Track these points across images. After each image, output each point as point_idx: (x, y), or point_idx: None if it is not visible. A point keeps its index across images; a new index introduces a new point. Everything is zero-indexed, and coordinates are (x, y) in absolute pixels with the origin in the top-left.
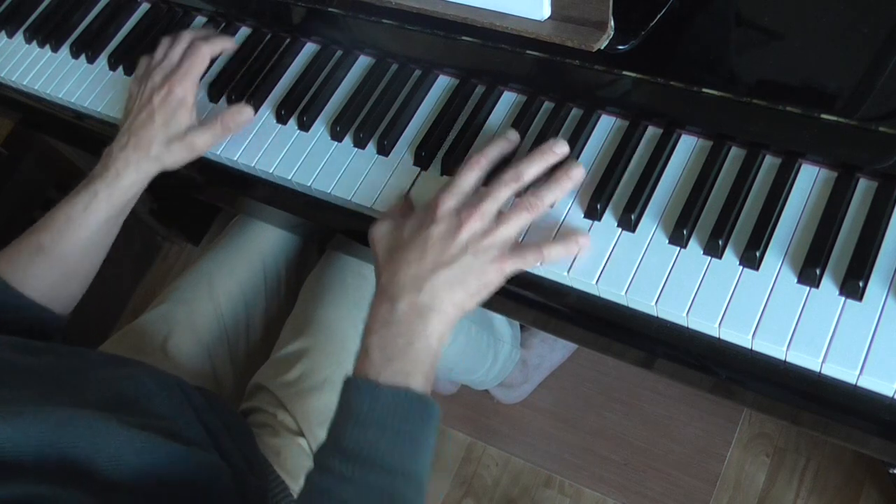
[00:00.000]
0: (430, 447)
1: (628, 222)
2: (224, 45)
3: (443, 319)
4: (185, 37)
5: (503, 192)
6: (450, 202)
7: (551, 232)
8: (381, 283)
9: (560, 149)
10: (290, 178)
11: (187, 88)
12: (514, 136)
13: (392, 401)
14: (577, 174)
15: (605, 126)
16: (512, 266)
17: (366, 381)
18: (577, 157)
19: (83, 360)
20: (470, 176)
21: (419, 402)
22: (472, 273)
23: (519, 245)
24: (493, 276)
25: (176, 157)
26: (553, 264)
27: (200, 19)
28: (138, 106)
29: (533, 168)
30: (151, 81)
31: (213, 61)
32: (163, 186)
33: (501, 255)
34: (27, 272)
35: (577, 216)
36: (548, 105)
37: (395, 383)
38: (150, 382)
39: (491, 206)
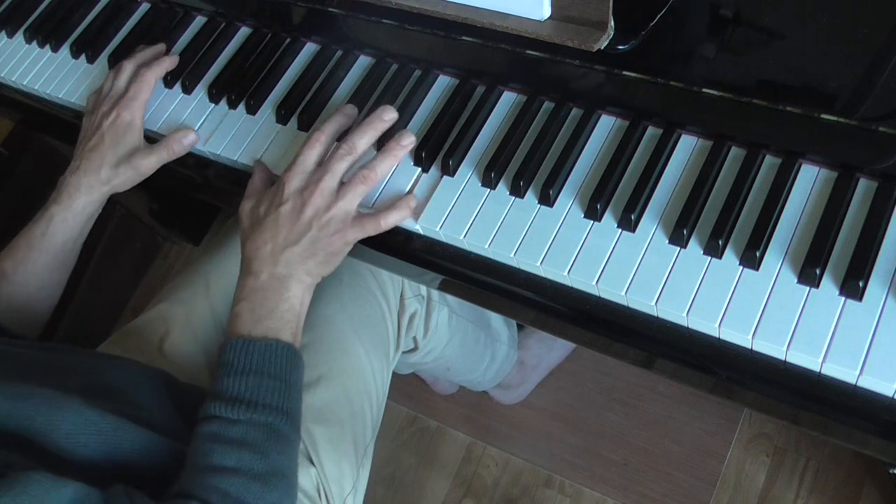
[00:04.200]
0: (300, 390)
1: (628, 222)
2: (166, 67)
3: (301, 284)
4: (129, 66)
5: (340, 165)
6: (294, 182)
7: (391, 200)
8: (245, 255)
9: (388, 115)
10: None
11: (134, 112)
12: (350, 109)
13: (265, 350)
14: (408, 141)
15: (605, 126)
16: (353, 235)
17: (240, 338)
18: (577, 158)
19: (69, 354)
20: (311, 154)
21: (289, 351)
22: (319, 245)
23: (360, 216)
24: (338, 246)
25: (123, 179)
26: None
27: (201, 19)
28: (89, 133)
29: (364, 138)
30: (100, 110)
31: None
32: (163, 187)
33: (344, 227)
34: None
35: (576, 217)
36: (548, 105)
37: (266, 336)
38: (134, 375)
39: (329, 182)
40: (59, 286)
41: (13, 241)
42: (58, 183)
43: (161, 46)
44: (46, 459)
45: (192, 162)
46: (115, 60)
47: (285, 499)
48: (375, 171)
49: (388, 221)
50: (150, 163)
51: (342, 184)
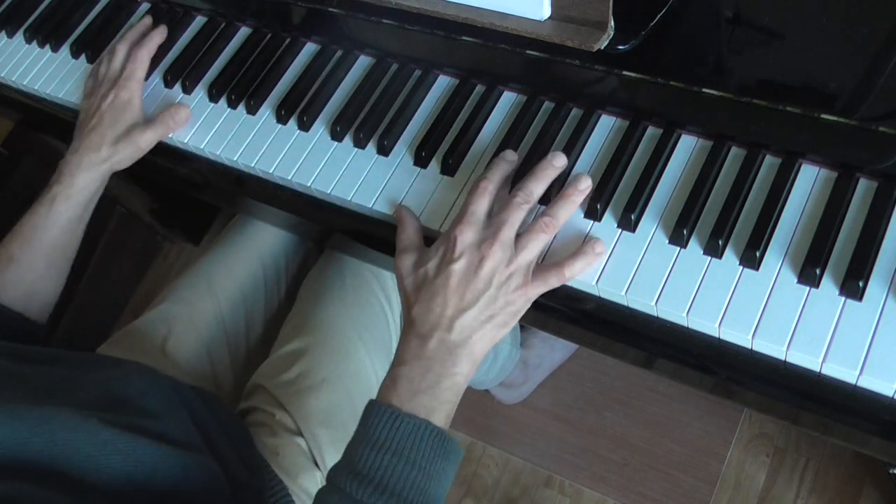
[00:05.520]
0: (443, 484)
1: (628, 222)
2: (157, 41)
3: (471, 358)
4: (122, 48)
5: (517, 215)
6: (468, 234)
7: (563, 244)
8: (410, 317)
9: (559, 162)
10: (290, 178)
11: (132, 90)
12: (511, 156)
13: (411, 430)
14: (585, 185)
15: (605, 126)
16: (536, 291)
17: (389, 407)
18: (577, 157)
19: (77, 366)
20: (481, 203)
21: (438, 437)
22: (497, 305)
23: (540, 267)
24: (520, 304)
25: (123, 155)
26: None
27: (201, 19)
28: (88, 115)
29: (540, 185)
30: (98, 93)
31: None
32: (163, 186)
33: (525, 282)
34: (0, 281)
35: (577, 216)
36: (548, 105)
37: (416, 414)
38: (142, 382)
39: (509, 232)
40: (66, 267)
41: (17, 225)
42: (58, 165)
43: (147, 21)
44: (66, 486)
45: (190, 161)
46: None
47: None
48: (557, 218)
49: (574, 270)
50: (148, 138)
51: (518, 234)
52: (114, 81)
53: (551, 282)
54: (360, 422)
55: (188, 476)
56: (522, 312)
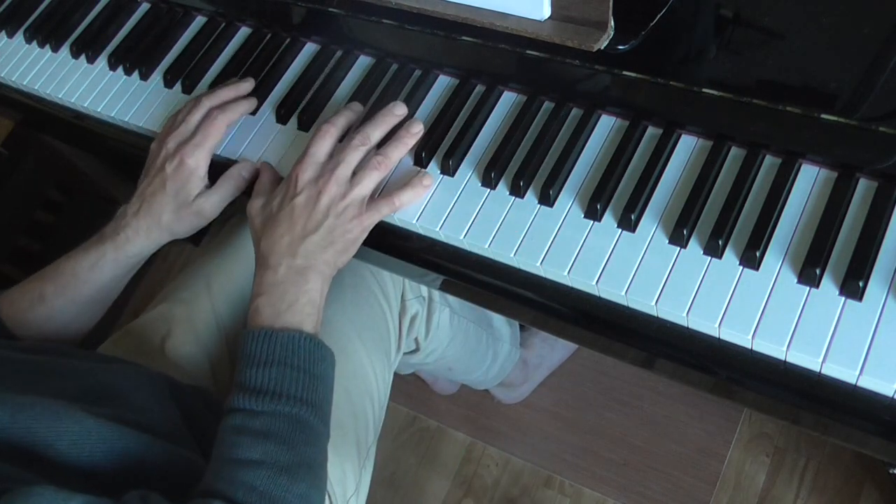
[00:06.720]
0: (328, 383)
1: (628, 222)
2: (242, 112)
3: (319, 276)
4: (204, 104)
5: (354, 155)
6: (307, 172)
7: (402, 181)
8: (260, 252)
9: (399, 110)
10: None
11: (199, 160)
12: (356, 106)
13: (288, 341)
14: (417, 129)
15: (605, 126)
16: (370, 219)
17: (261, 329)
18: (577, 158)
19: (67, 357)
20: (321, 145)
21: (312, 342)
22: (336, 233)
23: (373, 199)
24: (357, 232)
25: (186, 226)
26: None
27: (201, 19)
28: (152, 173)
29: (378, 130)
30: (166, 149)
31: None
32: None
33: (359, 213)
34: (25, 316)
35: (577, 216)
36: (548, 105)
37: (287, 328)
38: (133, 377)
39: (344, 170)
40: (97, 317)
41: (58, 264)
42: (116, 215)
43: (245, 86)
44: (49, 471)
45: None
46: (116, 61)
47: (313, 491)
48: (389, 157)
49: (402, 200)
50: (214, 204)
51: (355, 172)
52: (184, 142)
53: (384, 211)
54: (239, 354)
55: (175, 468)
56: (361, 240)
